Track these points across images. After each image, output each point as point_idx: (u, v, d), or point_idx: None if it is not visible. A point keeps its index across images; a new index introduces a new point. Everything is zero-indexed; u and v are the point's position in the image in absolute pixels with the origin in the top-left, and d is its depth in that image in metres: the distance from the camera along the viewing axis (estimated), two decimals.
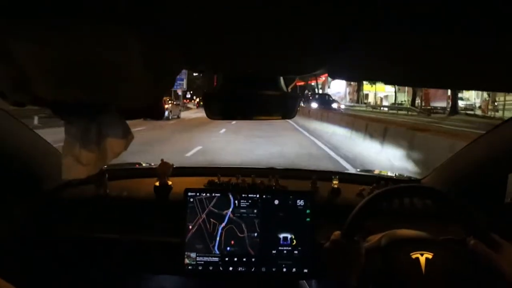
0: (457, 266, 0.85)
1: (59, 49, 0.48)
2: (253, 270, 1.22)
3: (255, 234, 1.23)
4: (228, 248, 1.22)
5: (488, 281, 0.81)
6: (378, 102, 38.19)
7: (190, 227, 1.23)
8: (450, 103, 24.80)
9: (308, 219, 1.23)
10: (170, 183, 1.48)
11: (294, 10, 0.46)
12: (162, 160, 1.51)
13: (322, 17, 0.49)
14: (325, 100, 27.02)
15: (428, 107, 27.87)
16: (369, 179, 1.60)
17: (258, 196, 1.25)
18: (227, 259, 1.22)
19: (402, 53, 0.60)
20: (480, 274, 0.82)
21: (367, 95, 40.94)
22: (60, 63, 0.49)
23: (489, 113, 22.61)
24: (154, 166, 1.56)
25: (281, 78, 0.98)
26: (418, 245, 0.89)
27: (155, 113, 0.80)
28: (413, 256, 0.87)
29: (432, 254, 0.86)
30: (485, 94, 24.10)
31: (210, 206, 1.24)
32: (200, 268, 1.22)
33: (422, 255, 0.87)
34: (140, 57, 0.53)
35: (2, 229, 1.23)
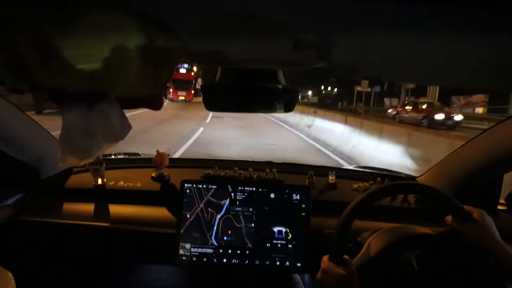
0: (446, 255, 0.87)
1: (60, 38, 0.48)
2: (246, 262, 1.23)
3: (252, 225, 1.24)
4: (225, 238, 1.23)
5: (475, 257, 0.83)
6: None
7: (188, 215, 1.24)
8: None
9: (303, 214, 1.24)
10: (167, 174, 1.48)
11: (293, 4, 0.46)
12: (157, 151, 1.51)
13: (322, 11, 0.49)
14: None
15: None
16: (366, 176, 1.61)
17: (254, 189, 1.25)
18: (221, 250, 1.23)
19: (402, 50, 0.60)
20: (467, 253, 0.84)
21: None
22: (59, 52, 0.50)
23: None
24: (151, 157, 1.56)
25: (281, 71, 0.98)
26: (405, 244, 0.90)
27: (154, 103, 0.80)
28: (403, 257, 0.88)
29: (420, 250, 0.88)
30: None
31: (209, 196, 1.25)
32: (194, 259, 1.23)
33: (411, 253, 0.88)
34: (140, 49, 0.53)
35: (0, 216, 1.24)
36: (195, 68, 27.98)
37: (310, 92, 44.31)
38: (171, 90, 27.70)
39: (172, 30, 0.57)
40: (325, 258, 0.89)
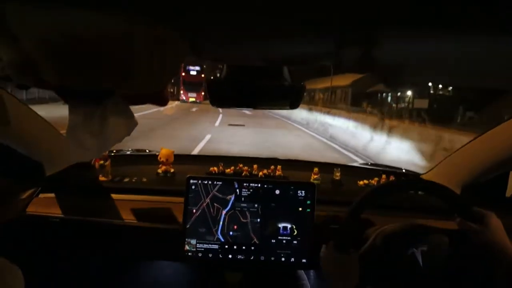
0: (451, 254, 0.86)
1: (65, 34, 0.48)
2: (252, 258, 1.23)
3: (258, 220, 1.24)
4: (231, 233, 1.24)
5: (481, 257, 0.83)
6: None
7: (194, 210, 1.24)
8: None
9: (308, 210, 1.24)
10: (172, 170, 1.49)
11: (300, 3, 0.46)
12: (161, 148, 1.52)
13: (327, 10, 0.48)
14: None
15: None
16: (371, 173, 1.61)
17: (259, 185, 1.26)
18: (227, 246, 1.23)
19: (409, 50, 0.60)
20: (473, 253, 0.84)
21: None
22: (66, 48, 0.50)
23: None
24: (156, 153, 1.57)
25: (286, 68, 0.98)
26: (411, 239, 0.90)
27: (160, 100, 0.80)
28: (409, 252, 0.88)
29: (426, 245, 0.87)
30: None
31: (214, 191, 1.26)
32: (199, 255, 1.23)
33: (417, 248, 0.87)
34: (146, 45, 0.53)
35: (4, 213, 1.25)
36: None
37: (409, 92, 24.83)
38: (181, 91, 28.87)
39: (178, 27, 0.57)
40: (330, 244, 0.92)
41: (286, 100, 1.02)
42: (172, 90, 31.68)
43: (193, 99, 28.20)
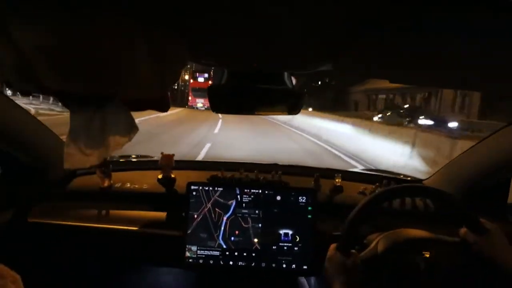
0: (454, 261, 0.86)
1: (65, 40, 0.48)
2: (253, 265, 1.22)
3: (259, 225, 1.24)
4: (233, 238, 1.23)
5: (483, 270, 0.82)
6: None
7: (195, 216, 1.24)
8: None
9: (309, 216, 1.23)
10: (173, 176, 1.49)
11: (300, 6, 0.46)
12: (162, 153, 1.51)
13: (328, 13, 0.48)
14: None
15: None
16: (372, 178, 1.60)
17: (260, 191, 1.25)
18: (227, 253, 1.23)
19: (409, 51, 0.60)
20: (476, 264, 0.83)
21: None
22: (66, 54, 0.50)
23: None
24: (157, 159, 1.56)
25: (286, 74, 0.98)
26: (414, 245, 0.89)
27: (161, 105, 0.80)
28: (410, 259, 0.87)
29: (429, 252, 0.87)
30: None
31: (216, 196, 1.25)
32: (200, 261, 1.23)
33: (419, 254, 0.87)
34: (146, 50, 0.53)
35: (5, 217, 1.25)
36: None
37: None
38: (190, 98, 30.85)
39: (179, 31, 0.58)
40: (333, 246, 0.91)
41: (287, 105, 1.02)
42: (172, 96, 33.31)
43: (201, 105, 29.55)
